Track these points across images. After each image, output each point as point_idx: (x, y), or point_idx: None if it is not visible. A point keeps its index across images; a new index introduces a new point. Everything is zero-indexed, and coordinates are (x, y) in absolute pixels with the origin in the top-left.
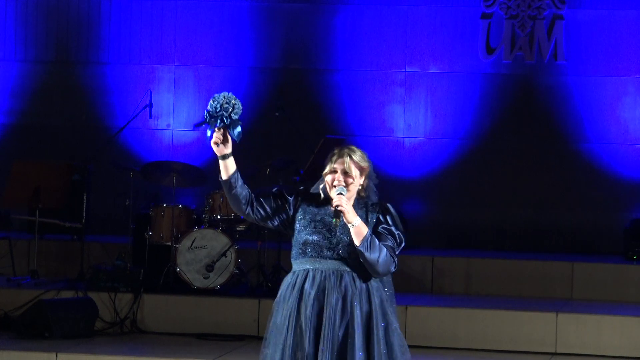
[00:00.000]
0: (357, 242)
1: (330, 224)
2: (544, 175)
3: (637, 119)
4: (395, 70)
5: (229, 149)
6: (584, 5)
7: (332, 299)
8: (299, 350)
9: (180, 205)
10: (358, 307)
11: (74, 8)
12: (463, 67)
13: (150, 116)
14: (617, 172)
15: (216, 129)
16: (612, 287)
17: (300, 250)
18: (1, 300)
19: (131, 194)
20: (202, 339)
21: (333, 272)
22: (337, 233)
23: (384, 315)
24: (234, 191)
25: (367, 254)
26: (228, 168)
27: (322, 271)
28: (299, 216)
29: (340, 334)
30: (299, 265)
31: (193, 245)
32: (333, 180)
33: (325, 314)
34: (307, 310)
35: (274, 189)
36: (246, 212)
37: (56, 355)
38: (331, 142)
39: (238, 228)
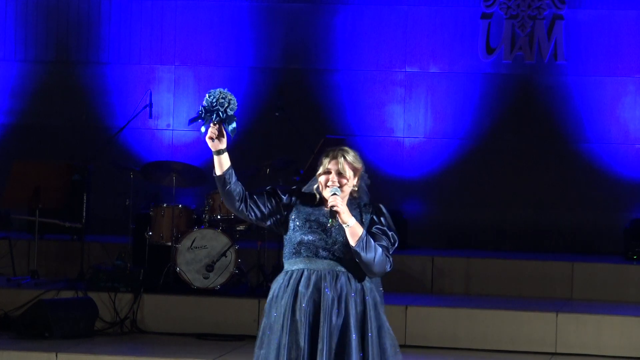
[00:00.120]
0: (352, 243)
1: (326, 224)
2: (544, 175)
3: (637, 119)
4: (395, 70)
5: (224, 145)
6: (584, 5)
7: (329, 299)
8: (294, 349)
9: (180, 205)
10: (353, 307)
11: (74, 8)
12: (463, 67)
13: (150, 116)
14: (617, 172)
15: (212, 124)
16: (612, 287)
17: (294, 250)
18: (1, 300)
19: (131, 194)
20: (202, 339)
21: (329, 272)
22: (333, 233)
23: (377, 316)
24: (227, 187)
25: (363, 254)
26: (222, 164)
27: (317, 271)
28: (292, 215)
29: (337, 334)
30: (292, 265)
31: (193, 245)
32: (327, 180)
33: (321, 314)
34: (303, 310)
35: (267, 188)
36: (239, 209)
37: (56, 355)
38: (331, 142)
39: (238, 228)
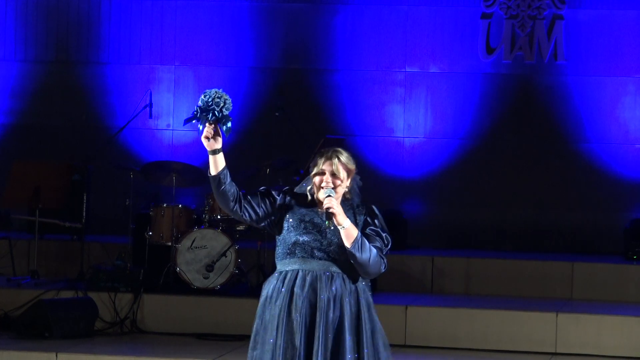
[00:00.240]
0: (347, 244)
1: (321, 225)
2: (544, 175)
3: (637, 119)
4: (395, 70)
5: (219, 144)
6: (584, 5)
7: (324, 300)
8: (290, 349)
9: (180, 205)
10: (348, 308)
11: (74, 8)
12: (463, 67)
13: (150, 116)
14: (617, 172)
15: (207, 123)
16: (612, 287)
17: (288, 250)
18: (1, 300)
19: (131, 194)
20: (202, 339)
21: (324, 273)
22: (328, 234)
23: (371, 317)
24: (222, 187)
25: (358, 255)
26: (217, 164)
27: (312, 272)
28: (287, 216)
29: (332, 335)
30: (285, 265)
31: (193, 245)
32: (321, 181)
33: (317, 315)
34: (299, 310)
35: (261, 188)
36: (233, 209)
37: (56, 355)
38: (331, 142)
39: (238, 228)
